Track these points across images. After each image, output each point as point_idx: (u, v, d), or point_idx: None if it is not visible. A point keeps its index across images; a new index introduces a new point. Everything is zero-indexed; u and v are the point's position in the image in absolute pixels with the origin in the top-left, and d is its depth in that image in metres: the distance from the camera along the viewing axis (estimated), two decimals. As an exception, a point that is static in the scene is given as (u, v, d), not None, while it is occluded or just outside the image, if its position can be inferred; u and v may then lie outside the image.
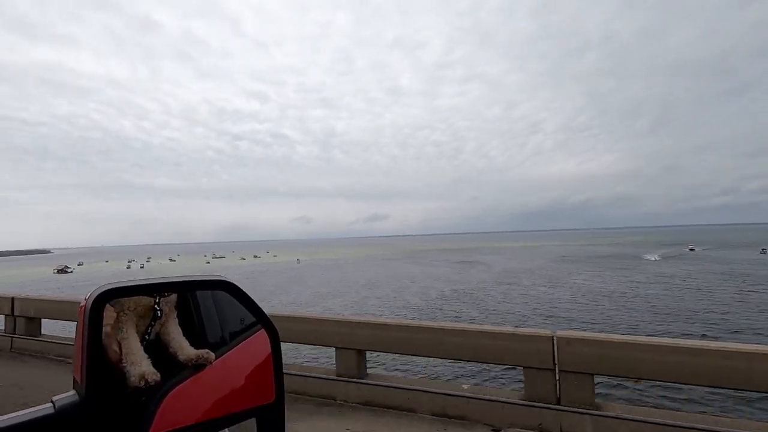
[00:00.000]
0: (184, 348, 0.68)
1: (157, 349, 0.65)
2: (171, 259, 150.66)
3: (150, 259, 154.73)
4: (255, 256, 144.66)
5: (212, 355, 0.69)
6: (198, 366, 0.68)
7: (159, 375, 0.64)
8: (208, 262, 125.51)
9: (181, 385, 0.66)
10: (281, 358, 0.80)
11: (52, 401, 0.52)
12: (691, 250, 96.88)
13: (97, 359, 0.56)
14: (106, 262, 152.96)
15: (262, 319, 0.80)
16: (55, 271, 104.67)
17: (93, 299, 0.59)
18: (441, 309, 34.12)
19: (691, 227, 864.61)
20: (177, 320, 0.70)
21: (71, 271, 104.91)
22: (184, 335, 0.70)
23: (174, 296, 0.71)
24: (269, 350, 0.79)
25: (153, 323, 0.69)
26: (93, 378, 0.54)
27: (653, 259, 79.50)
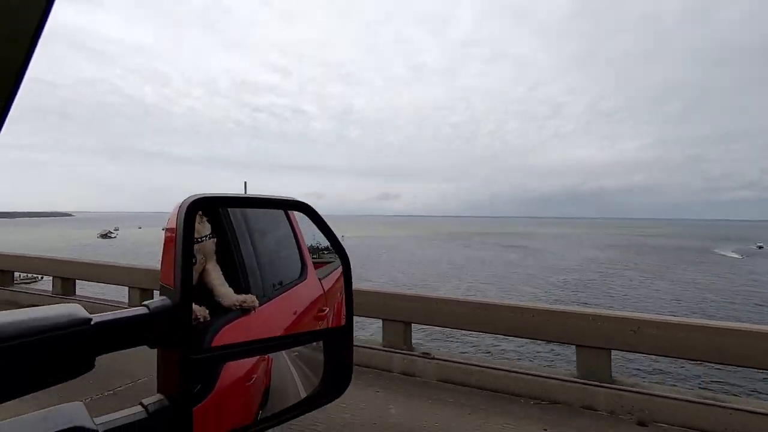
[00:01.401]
0: (226, 293, 0.67)
1: (202, 292, 0.64)
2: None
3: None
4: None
5: (256, 302, 0.69)
6: (245, 310, 0.68)
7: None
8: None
9: (243, 317, 0.66)
10: (351, 286, 0.82)
11: (145, 304, 0.54)
12: (760, 247, 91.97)
13: (189, 266, 0.57)
14: (139, 228, 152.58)
15: (335, 245, 0.81)
16: (99, 236, 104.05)
17: (187, 205, 0.61)
18: (590, 301, 30.84)
19: (710, 222, 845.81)
20: (216, 265, 0.68)
21: (114, 236, 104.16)
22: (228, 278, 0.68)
23: (212, 242, 0.69)
24: (341, 276, 0.81)
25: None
26: (186, 284, 0.56)
27: (733, 255, 75.04)
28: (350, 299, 0.80)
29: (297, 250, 0.80)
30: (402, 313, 4.71)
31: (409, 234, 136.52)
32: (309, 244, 0.80)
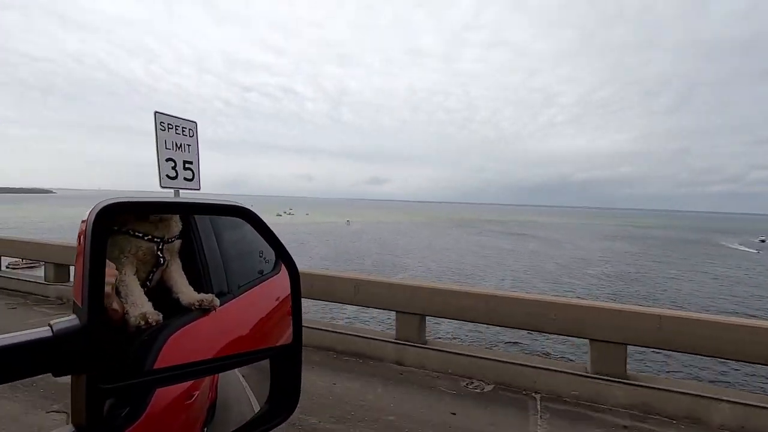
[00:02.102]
0: (186, 292, 0.65)
1: (159, 294, 0.61)
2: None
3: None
4: (287, 213, 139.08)
5: (217, 301, 0.66)
6: (203, 310, 0.65)
7: (161, 316, 0.60)
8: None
9: (189, 324, 0.63)
10: (300, 299, 0.77)
11: (49, 325, 0.48)
12: (762, 241, 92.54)
13: (100, 282, 0.51)
14: None
15: (282, 255, 0.76)
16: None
17: (96, 213, 0.53)
18: (652, 296, 29.15)
19: (693, 213, 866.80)
20: (180, 264, 0.66)
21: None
22: (190, 281, 0.66)
23: (178, 242, 0.67)
24: (288, 290, 0.75)
25: (155, 270, 0.65)
26: (95, 303, 0.50)
27: (745, 249, 74.52)
28: (299, 314, 0.75)
29: (243, 259, 0.75)
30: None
31: (411, 220, 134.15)
32: (257, 252, 0.75)
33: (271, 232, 0.74)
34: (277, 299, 0.74)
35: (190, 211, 0.70)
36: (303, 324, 0.74)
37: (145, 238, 0.63)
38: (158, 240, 0.64)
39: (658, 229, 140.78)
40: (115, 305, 0.54)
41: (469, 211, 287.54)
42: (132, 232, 0.61)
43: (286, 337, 0.72)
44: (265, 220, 0.72)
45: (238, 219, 0.72)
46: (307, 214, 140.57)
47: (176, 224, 0.67)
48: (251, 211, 0.72)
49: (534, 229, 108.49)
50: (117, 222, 0.58)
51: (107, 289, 0.52)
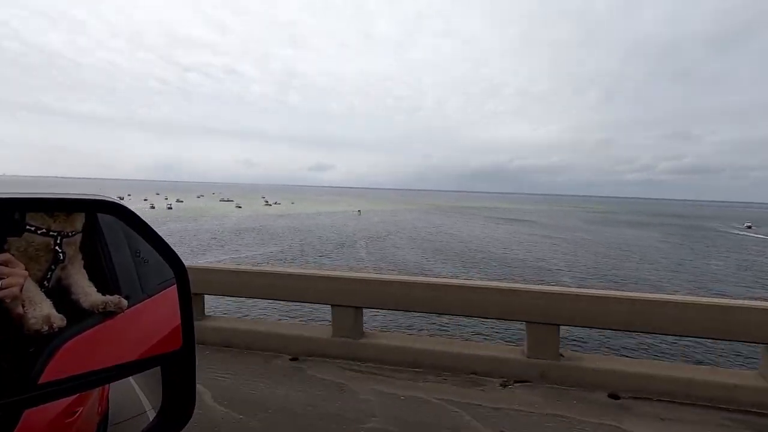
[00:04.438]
0: (89, 294, 0.59)
1: (57, 296, 0.56)
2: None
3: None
4: (275, 203, 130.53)
5: (124, 302, 0.62)
6: (106, 314, 0.60)
7: (65, 320, 0.55)
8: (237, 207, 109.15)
9: (81, 334, 0.57)
10: (190, 299, 0.72)
11: None
12: (749, 227, 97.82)
13: None
14: None
15: (166, 254, 0.70)
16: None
17: None
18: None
19: (617, 199, 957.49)
20: (82, 263, 0.61)
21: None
22: (93, 279, 0.61)
23: (78, 236, 0.61)
24: (175, 291, 0.70)
25: (53, 267, 0.59)
26: None
27: (753, 235, 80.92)
28: (189, 316, 0.70)
29: (134, 271, 0.69)
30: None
31: (385, 209, 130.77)
32: (136, 251, 0.69)
33: (148, 227, 0.67)
34: (166, 301, 0.69)
35: (43, 207, 0.60)
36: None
37: (39, 231, 0.57)
38: (55, 234, 0.58)
39: (624, 214, 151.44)
40: (19, 309, 0.49)
41: (426, 198, 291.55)
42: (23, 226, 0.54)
43: (175, 341, 0.68)
44: (138, 214, 0.64)
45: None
46: (292, 203, 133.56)
47: (78, 217, 0.61)
48: (120, 204, 0.65)
49: (531, 217, 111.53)
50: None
51: (14, 291, 0.47)
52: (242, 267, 5.24)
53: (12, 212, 0.58)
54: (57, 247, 0.58)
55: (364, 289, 4.42)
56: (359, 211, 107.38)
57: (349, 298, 4.38)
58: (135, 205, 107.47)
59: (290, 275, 4.62)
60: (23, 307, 0.50)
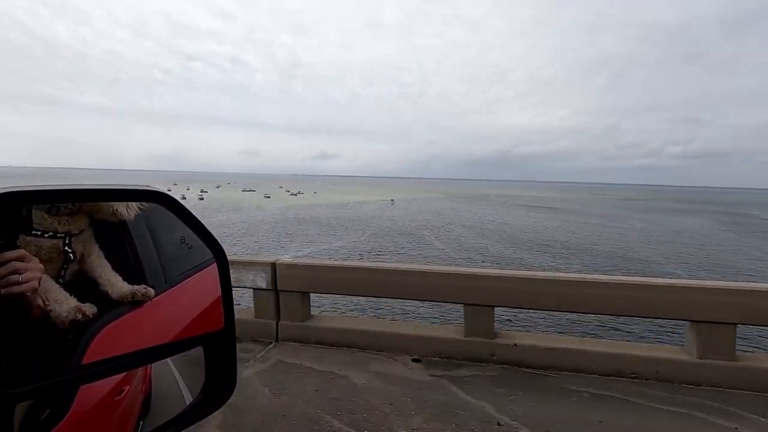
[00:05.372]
0: (115, 284, 0.60)
1: (78, 290, 0.57)
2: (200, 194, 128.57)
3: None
4: (299, 193, 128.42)
5: (151, 291, 0.63)
6: (136, 302, 0.62)
7: (95, 308, 0.56)
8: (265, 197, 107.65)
9: (119, 320, 0.59)
10: (230, 282, 0.75)
11: None
12: None
13: None
14: None
15: (207, 240, 0.73)
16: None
17: None
18: None
19: (625, 186, 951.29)
20: (102, 254, 0.62)
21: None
22: (119, 270, 0.62)
23: (89, 232, 0.62)
24: (216, 274, 0.74)
25: (65, 267, 0.60)
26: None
27: None
28: (229, 298, 0.74)
29: (171, 246, 0.72)
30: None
31: (408, 197, 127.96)
32: (181, 237, 0.72)
33: (192, 215, 0.69)
34: (207, 283, 0.72)
35: (90, 198, 0.63)
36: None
37: (45, 235, 0.57)
38: (62, 235, 0.58)
39: (660, 202, 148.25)
40: (39, 302, 0.51)
41: (437, 186, 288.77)
42: (28, 231, 0.55)
43: (217, 321, 0.71)
44: (186, 206, 0.67)
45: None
46: (315, 193, 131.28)
47: (83, 215, 0.61)
48: (166, 194, 0.67)
49: (560, 204, 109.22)
50: (10, 217, 0.53)
51: (34, 284, 0.49)
52: (356, 264, 5.33)
53: (44, 203, 0.59)
54: (66, 248, 0.59)
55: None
56: (392, 200, 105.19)
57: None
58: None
59: (423, 273, 4.52)
60: (43, 301, 0.51)
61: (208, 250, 0.73)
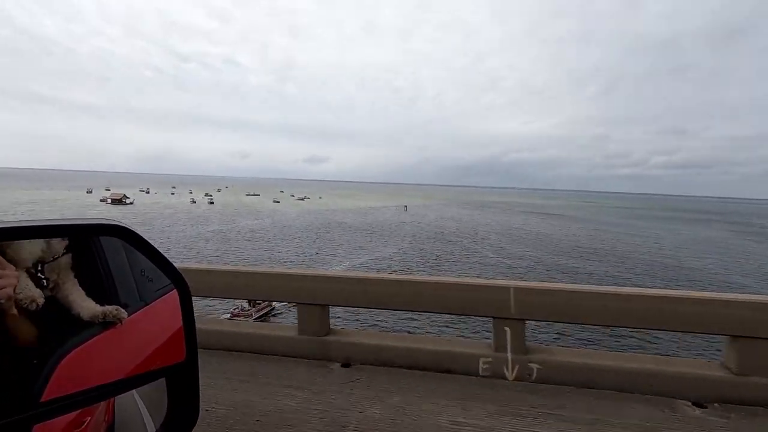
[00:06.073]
0: (87, 307, 0.61)
1: (55, 313, 0.57)
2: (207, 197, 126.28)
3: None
4: (305, 197, 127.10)
5: (123, 312, 0.64)
6: (105, 324, 0.62)
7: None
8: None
9: (81, 346, 0.58)
10: (193, 313, 0.75)
11: None
12: None
13: None
14: (89, 192, 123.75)
15: (168, 271, 0.74)
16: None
17: None
18: None
19: (612, 194, 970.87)
20: (75, 280, 0.62)
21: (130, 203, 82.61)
22: (90, 294, 0.62)
23: (64, 258, 0.63)
24: (178, 305, 0.74)
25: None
26: None
27: None
28: (191, 329, 0.73)
29: (132, 282, 0.72)
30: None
31: (414, 203, 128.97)
32: (141, 270, 0.72)
33: (153, 248, 0.69)
34: (168, 314, 0.72)
35: (48, 234, 0.62)
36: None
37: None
38: (35, 262, 0.59)
39: (658, 211, 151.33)
40: (14, 311, 0.50)
41: (433, 192, 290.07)
42: None
43: (179, 353, 0.70)
44: (142, 235, 0.65)
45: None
46: (320, 198, 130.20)
47: (57, 241, 0.62)
48: (126, 228, 0.67)
49: (564, 212, 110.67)
50: None
51: (8, 291, 0.48)
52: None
53: (31, 238, 0.59)
54: (39, 274, 0.59)
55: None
56: (405, 206, 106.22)
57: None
58: (165, 199, 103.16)
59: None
60: (16, 309, 0.50)
61: (168, 281, 0.73)
